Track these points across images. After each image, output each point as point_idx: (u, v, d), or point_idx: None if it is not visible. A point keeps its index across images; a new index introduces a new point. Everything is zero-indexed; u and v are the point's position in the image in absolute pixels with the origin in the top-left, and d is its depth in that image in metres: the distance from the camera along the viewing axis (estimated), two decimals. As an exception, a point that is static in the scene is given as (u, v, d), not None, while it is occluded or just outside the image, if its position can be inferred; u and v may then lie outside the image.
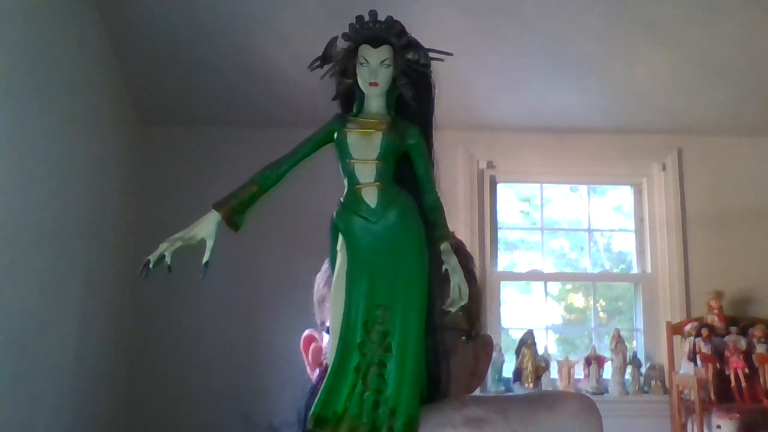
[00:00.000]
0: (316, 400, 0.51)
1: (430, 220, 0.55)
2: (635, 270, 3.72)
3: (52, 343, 2.69)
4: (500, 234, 3.71)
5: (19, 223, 2.39)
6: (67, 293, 2.80)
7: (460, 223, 3.40)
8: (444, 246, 0.53)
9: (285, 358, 3.08)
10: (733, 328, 3.23)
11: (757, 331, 3.22)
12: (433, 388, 0.56)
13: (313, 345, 0.89)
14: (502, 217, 3.72)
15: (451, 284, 0.52)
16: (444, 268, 0.52)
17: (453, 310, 0.51)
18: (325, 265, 0.87)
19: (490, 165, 3.61)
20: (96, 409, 3.08)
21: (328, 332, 0.81)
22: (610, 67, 3.23)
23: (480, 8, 2.91)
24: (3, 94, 2.29)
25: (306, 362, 0.90)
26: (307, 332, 0.90)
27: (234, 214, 0.56)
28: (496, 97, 3.37)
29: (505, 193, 3.77)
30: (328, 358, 0.53)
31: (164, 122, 3.52)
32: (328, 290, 0.85)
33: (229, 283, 3.16)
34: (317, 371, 0.88)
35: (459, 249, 0.83)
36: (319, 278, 0.88)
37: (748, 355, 3.17)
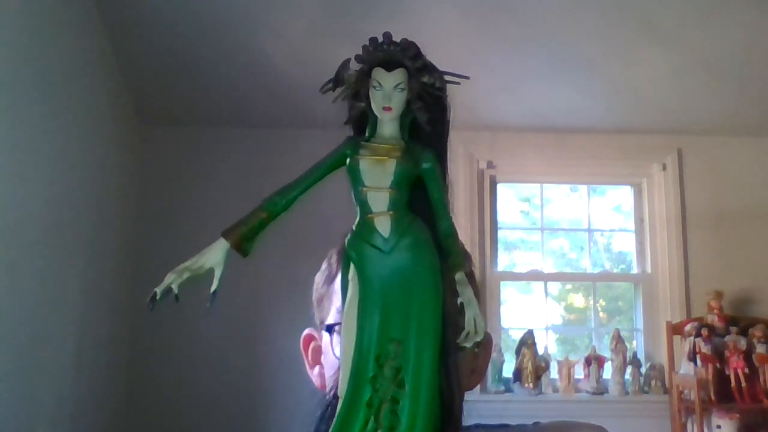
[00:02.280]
0: None
1: (443, 247, 0.54)
2: (635, 270, 3.72)
3: (52, 343, 2.69)
4: (500, 234, 3.70)
5: (20, 223, 2.39)
6: (67, 293, 2.80)
7: (460, 223, 3.39)
8: (459, 276, 0.52)
9: (285, 358, 3.08)
10: (733, 328, 3.23)
11: (757, 331, 3.22)
12: (447, 419, 0.55)
13: (312, 344, 0.90)
14: (502, 217, 3.72)
15: (466, 317, 0.51)
16: (459, 301, 0.51)
17: (468, 345, 0.50)
18: (324, 265, 0.88)
19: (490, 165, 3.61)
20: (95, 410, 3.08)
21: (327, 330, 0.82)
22: (610, 67, 3.23)
23: (480, 8, 2.91)
24: (3, 94, 2.29)
25: (306, 361, 0.91)
26: (306, 331, 0.91)
27: (243, 242, 0.55)
28: (496, 97, 3.37)
29: (505, 193, 3.77)
30: (340, 391, 0.52)
31: (164, 122, 3.52)
32: (326, 289, 0.85)
33: (229, 284, 3.15)
34: (317, 369, 0.88)
35: None
36: (318, 278, 0.89)
37: (748, 355, 3.17)
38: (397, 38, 0.57)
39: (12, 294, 2.36)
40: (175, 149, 3.54)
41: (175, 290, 0.53)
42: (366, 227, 0.54)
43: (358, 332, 0.52)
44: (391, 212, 0.54)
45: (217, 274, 0.55)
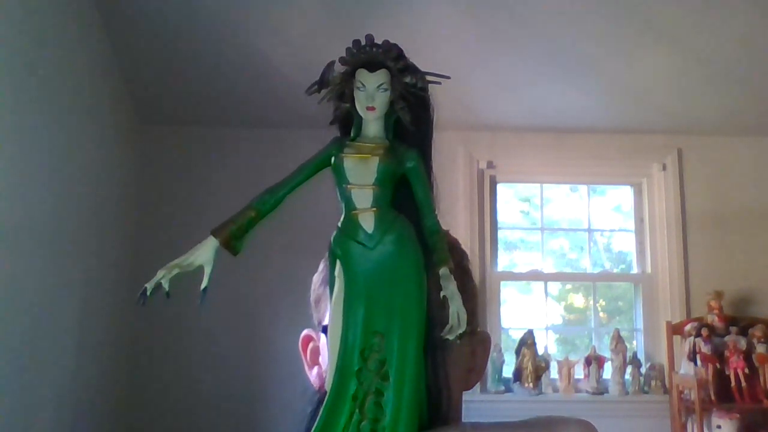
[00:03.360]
0: (314, 428, 0.51)
1: (429, 244, 0.55)
2: (635, 270, 3.71)
3: (52, 343, 2.69)
4: (500, 234, 3.70)
5: (20, 223, 2.39)
6: (67, 293, 2.80)
7: (460, 223, 3.40)
8: (443, 271, 0.53)
9: (284, 358, 3.08)
10: (733, 328, 3.23)
11: (757, 331, 3.22)
12: (433, 413, 0.56)
13: (311, 345, 0.90)
14: (502, 217, 3.72)
15: (450, 311, 0.51)
16: (442, 294, 0.52)
17: (451, 337, 0.51)
18: (322, 265, 0.88)
19: (490, 165, 3.61)
20: (96, 409, 3.08)
21: (324, 331, 0.82)
22: (610, 67, 3.23)
23: (480, 8, 2.91)
24: (3, 94, 2.29)
25: (304, 362, 0.91)
26: (305, 332, 0.91)
27: (232, 240, 0.56)
28: (496, 97, 3.37)
29: (505, 193, 3.77)
30: (326, 385, 0.53)
31: (164, 122, 3.52)
32: (323, 290, 0.85)
33: (230, 284, 3.16)
34: (315, 369, 0.88)
35: (454, 247, 0.84)
36: (316, 278, 0.89)
37: (748, 355, 3.17)
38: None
39: (12, 294, 2.36)
40: (174, 149, 3.54)
41: (166, 287, 0.54)
42: (350, 224, 0.55)
43: (344, 326, 0.53)
44: (374, 209, 0.55)
45: (207, 271, 0.56)
